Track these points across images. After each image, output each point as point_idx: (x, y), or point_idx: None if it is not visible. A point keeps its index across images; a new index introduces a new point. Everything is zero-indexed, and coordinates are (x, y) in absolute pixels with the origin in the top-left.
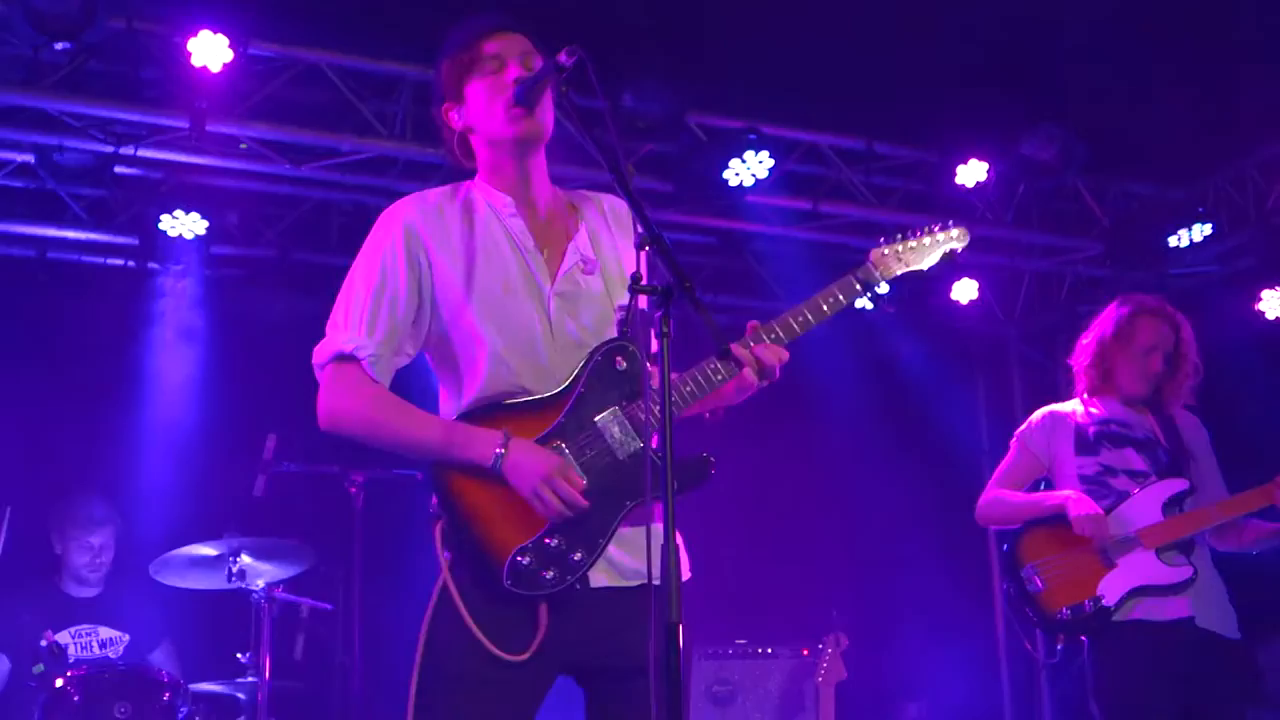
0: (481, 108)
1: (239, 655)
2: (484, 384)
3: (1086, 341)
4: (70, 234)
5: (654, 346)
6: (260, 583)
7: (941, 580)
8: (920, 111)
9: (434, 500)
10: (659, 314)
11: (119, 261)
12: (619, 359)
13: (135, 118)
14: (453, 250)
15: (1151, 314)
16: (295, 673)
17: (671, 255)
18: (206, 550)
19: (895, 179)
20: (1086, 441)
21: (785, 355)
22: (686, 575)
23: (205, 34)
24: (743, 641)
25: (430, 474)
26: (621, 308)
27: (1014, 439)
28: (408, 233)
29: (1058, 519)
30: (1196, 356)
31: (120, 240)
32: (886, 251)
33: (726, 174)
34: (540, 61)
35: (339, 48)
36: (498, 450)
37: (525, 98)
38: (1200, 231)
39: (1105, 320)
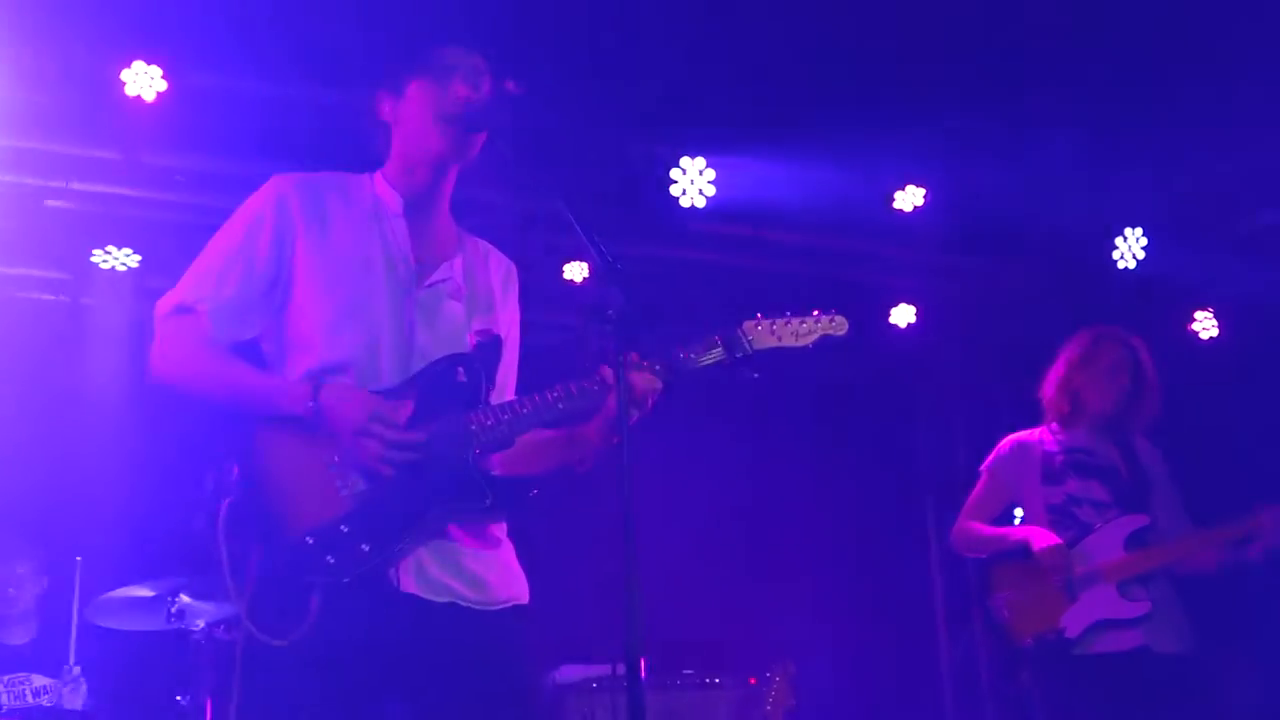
0: (417, 112)
1: (179, 698)
2: (325, 358)
3: (1053, 371)
4: (4, 270)
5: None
6: (200, 623)
7: (886, 606)
8: (853, 138)
9: (233, 472)
10: (614, 338)
11: (51, 297)
12: (460, 370)
13: (68, 151)
14: (323, 231)
15: (1110, 337)
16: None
17: (625, 281)
18: (144, 591)
19: (835, 205)
20: (1053, 471)
21: (659, 385)
22: (524, 597)
23: (139, 64)
24: (690, 671)
25: (241, 436)
26: (477, 333)
27: (983, 469)
28: (280, 202)
29: (1025, 552)
30: (1158, 381)
31: (53, 275)
32: (760, 326)
33: (674, 190)
34: (488, 84)
35: (274, 78)
36: (309, 402)
37: (468, 120)
38: (1134, 255)
39: (1069, 348)
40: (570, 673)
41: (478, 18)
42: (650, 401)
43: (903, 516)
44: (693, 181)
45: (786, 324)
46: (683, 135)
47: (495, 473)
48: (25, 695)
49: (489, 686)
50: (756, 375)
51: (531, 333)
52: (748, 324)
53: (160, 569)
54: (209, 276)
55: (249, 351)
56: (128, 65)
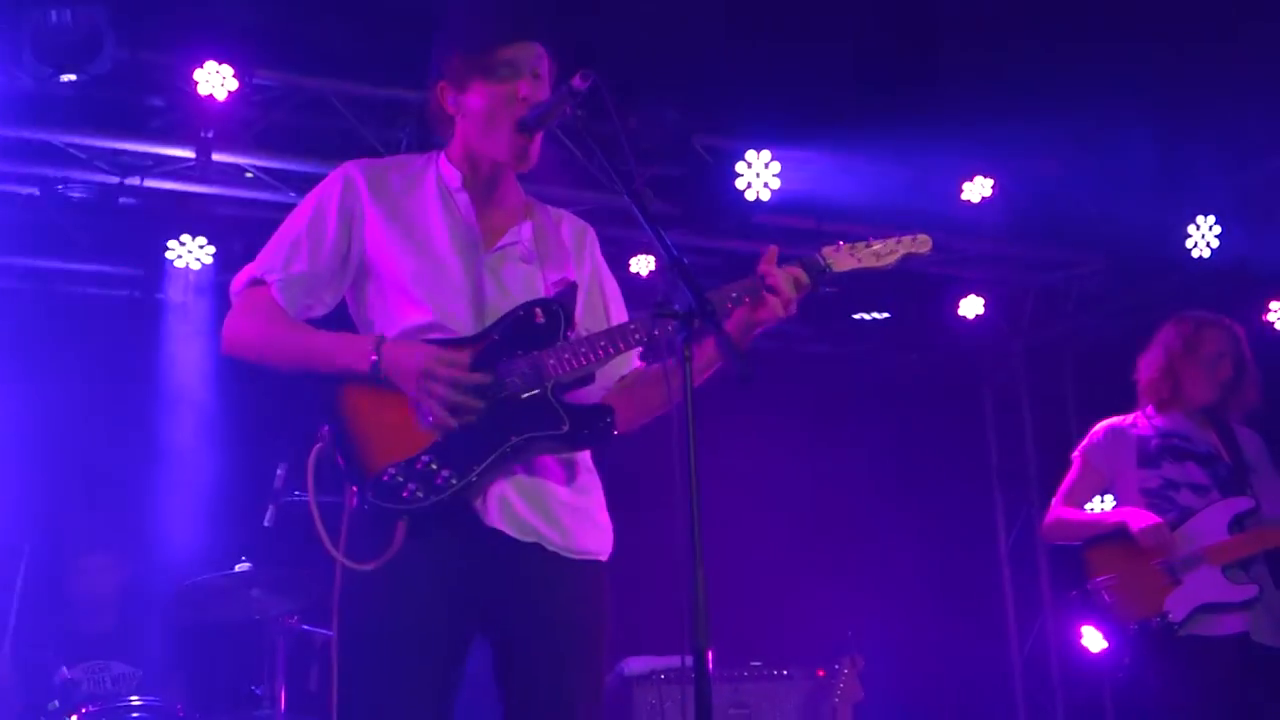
0: (482, 114)
1: (254, 689)
2: (407, 321)
3: (1151, 356)
4: (75, 266)
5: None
6: (274, 613)
7: (956, 599)
8: (921, 131)
9: (324, 427)
10: (681, 338)
11: (125, 293)
12: (539, 312)
13: (141, 148)
14: (390, 205)
15: (1214, 324)
16: (311, 704)
17: (693, 279)
18: (220, 582)
19: (903, 197)
20: (1149, 454)
21: (806, 283)
22: (601, 556)
23: (210, 64)
24: (758, 663)
25: (322, 392)
26: (554, 284)
27: (1076, 455)
28: (346, 183)
29: (1122, 534)
30: (1255, 369)
31: (126, 271)
32: (841, 249)
33: (739, 184)
34: (548, 69)
35: (343, 75)
36: (372, 356)
37: (532, 123)
38: (1208, 244)
39: (1168, 335)
40: (637, 664)
41: (539, 9)
42: (788, 312)
43: (971, 508)
44: (758, 175)
45: (868, 246)
46: (748, 129)
47: (580, 402)
48: (105, 682)
49: (565, 634)
50: (833, 290)
51: None
52: (827, 249)
53: (235, 560)
54: (279, 253)
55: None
56: (200, 65)
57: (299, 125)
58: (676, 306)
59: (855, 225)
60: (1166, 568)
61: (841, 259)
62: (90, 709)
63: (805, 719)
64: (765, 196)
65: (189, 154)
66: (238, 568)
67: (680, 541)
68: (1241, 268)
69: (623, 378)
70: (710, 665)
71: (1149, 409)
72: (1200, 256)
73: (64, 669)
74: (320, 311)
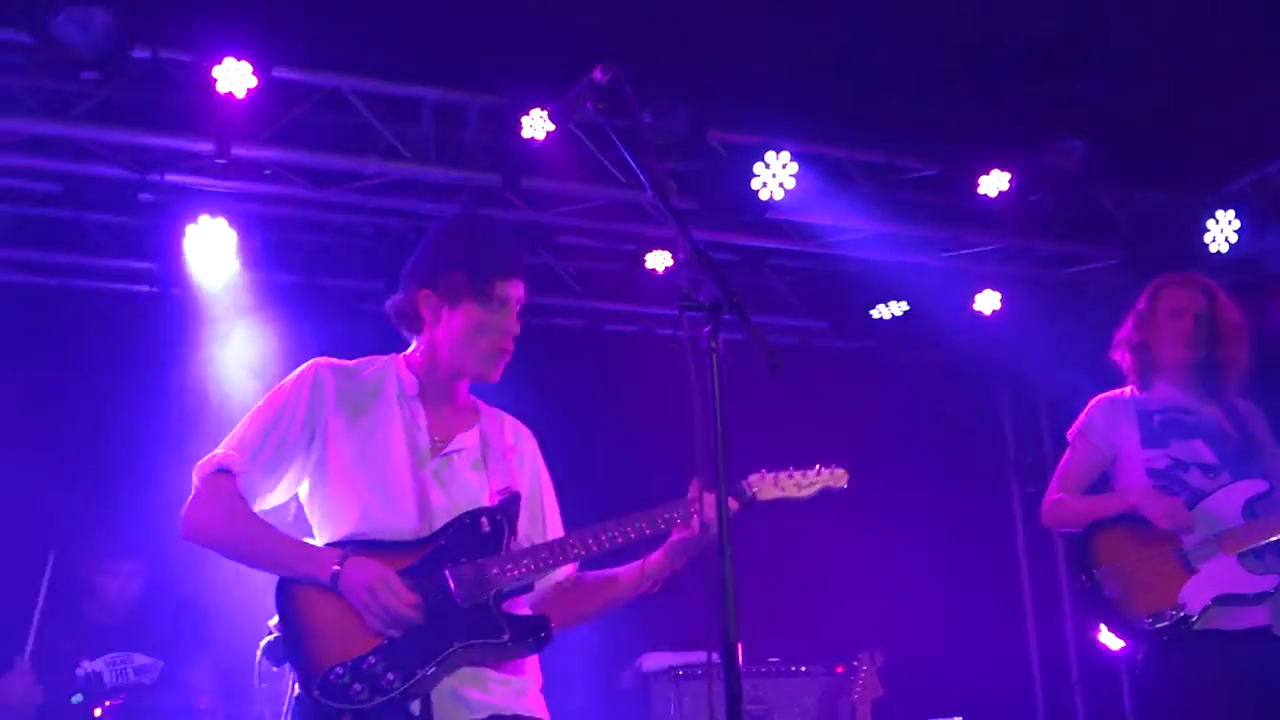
0: (466, 332)
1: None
2: (357, 521)
3: (1120, 331)
4: (96, 261)
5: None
6: None
7: (973, 594)
8: (941, 123)
9: (273, 621)
10: (706, 330)
11: (144, 288)
12: (484, 521)
13: (161, 143)
14: (351, 412)
15: (1175, 283)
16: None
17: (719, 271)
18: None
19: (918, 192)
20: (1153, 431)
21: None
22: (545, 715)
23: (229, 61)
24: (775, 659)
25: (276, 590)
26: (498, 491)
27: (1072, 435)
28: (315, 386)
29: (1130, 518)
30: (1243, 325)
31: (146, 266)
32: (766, 477)
33: (754, 184)
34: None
35: (361, 72)
36: (334, 567)
37: (508, 350)
38: (1226, 239)
39: (1137, 303)
40: (655, 660)
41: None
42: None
43: (989, 501)
44: (774, 175)
45: (789, 477)
46: (763, 125)
47: (521, 612)
48: (127, 674)
49: None
50: (760, 512)
51: (613, 322)
52: (753, 478)
53: None
54: (246, 446)
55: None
56: (219, 62)
57: (317, 121)
58: (701, 299)
59: (870, 221)
60: (1179, 556)
61: (766, 488)
62: (115, 702)
63: (824, 716)
64: (779, 195)
65: (208, 149)
66: None
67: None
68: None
69: (558, 584)
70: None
71: (1134, 387)
72: (1219, 250)
73: (85, 662)
74: (276, 503)
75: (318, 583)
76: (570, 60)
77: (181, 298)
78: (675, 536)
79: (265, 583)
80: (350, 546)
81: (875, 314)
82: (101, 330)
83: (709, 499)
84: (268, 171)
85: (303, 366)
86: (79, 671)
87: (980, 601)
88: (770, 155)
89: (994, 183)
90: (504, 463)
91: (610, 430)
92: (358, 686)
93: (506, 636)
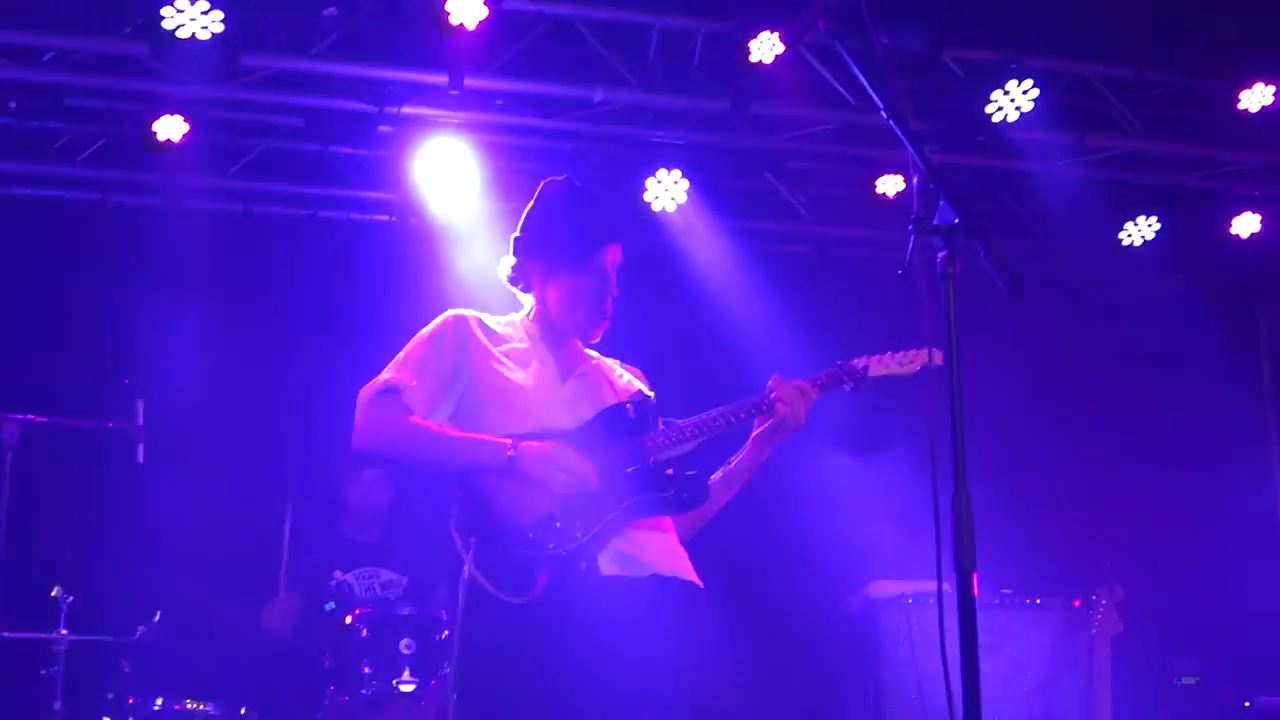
0: (573, 297)
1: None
2: (510, 434)
3: None
4: (338, 192)
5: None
6: None
7: (1221, 528)
8: (1195, 33)
9: (454, 508)
10: (943, 254)
11: (384, 218)
12: (630, 408)
13: (397, 77)
14: (492, 343)
15: None
16: None
17: (955, 192)
18: None
19: (1168, 108)
20: None
21: (813, 392)
22: (697, 580)
23: None
24: (1009, 591)
25: (457, 480)
26: (631, 396)
27: None
28: (460, 321)
29: None
30: None
31: (385, 196)
32: (874, 357)
33: (989, 109)
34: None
35: (590, 2)
36: (509, 452)
37: (608, 316)
38: None
39: None
40: (884, 588)
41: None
42: (799, 408)
43: (1244, 436)
44: (1013, 94)
45: (893, 357)
46: (1001, 41)
47: (679, 472)
48: (374, 587)
49: (667, 650)
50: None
51: (843, 248)
52: (862, 357)
53: None
54: (406, 368)
55: None
56: None
57: (547, 52)
58: (936, 221)
59: (1120, 139)
60: None
61: (874, 365)
62: (363, 610)
63: (1058, 651)
64: (1013, 117)
65: (442, 81)
66: None
67: (924, 468)
68: None
69: None
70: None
71: None
72: None
73: (338, 573)
74: (436, 421)
75: (494, 468)
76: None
77: (418, 227)
78: (757, 429)
79: None
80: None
81: (1123, 238)
82: (344, 259)
83: (787, 388)
84: (499, 102)
85: (443, 315)
86: (332, 582)
87: (1232, 537)
88: (1009, 74)
89: (1256, 97)
90: (619, 385)
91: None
92: (549, 543)
93: (671, 491)
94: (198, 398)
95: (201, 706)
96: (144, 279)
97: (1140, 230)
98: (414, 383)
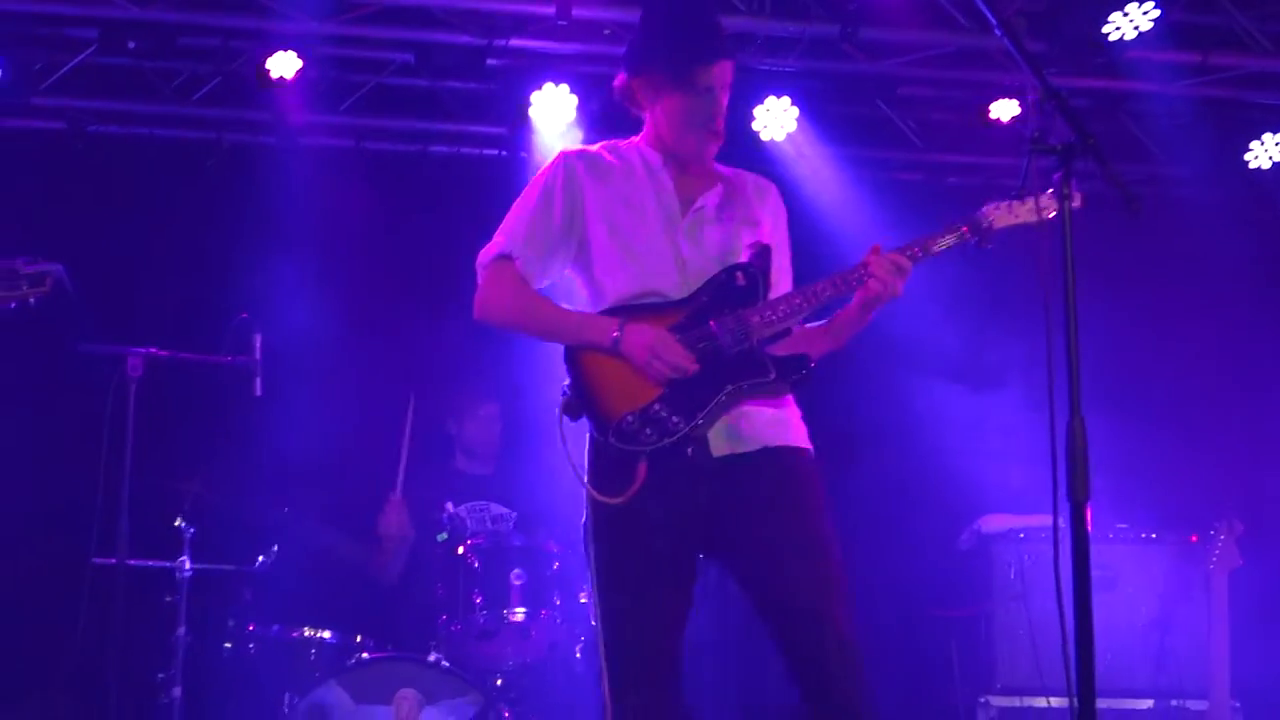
0: (680, 118)
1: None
2: (618, 295)
3: None
4: (446, 127)
5: (1053, 211)
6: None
7: None
8: None
9: (565, 383)
10: (1058, 175)
11: (494, 152)
12: (739, 275)
13: (506, 8)
14: (604, 185)
15: None
16: None
17: (1072, 111)
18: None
19: None
20: None
21: (906, 263)
22: (808, 446)
23: None
24: (1124, 525)
25: (564, 357)
26: (750, 246)
27: None
28: (569, 169)
29: None
30: None
31: (495, 131)
32: (1000, 205)
33: (1106, 28)
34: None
35: None
36: (614, 333)
37: (717, 132)
38: None
39: None
40: (995, 522)
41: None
42: (894, 280)
43: None
44: (1131, 21)
45: (1022, 203)
46: None
47: (781, 353)
48: (485, 521)
49: (792, 515)
50: (990, 247)
51: (955, 174)
52: (987, 207)
53: None
54: (518, 231)
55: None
56: None
57: None
58: (1054, 141)
59: (1244, 56)
60: None
61: (1000, 216)
62: (475, 541)
63: (1173, 586)
64: (1131, 37)
65: (549, 12)
66: None
67: (1037, 401)
68: None
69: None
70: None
71: None
72: None
73: (449, 505)
74: (549, 282)
75: (599, 348)
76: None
77: (529, 162)
78: (857, 298)
79: None
80: (622, 314)
81: (1249, 159)
82: (455, 194)
83: (882, 261)
84: (607, 32)
85: (553, 158)
86: (443, 514)
87: None
88: (1132, 6)
89: None
90: (749, 216)
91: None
92: (647, 431)
93: (773, 375)
94: (313, 332)
95: (318, 634)
96: (259, 216)
97: (1268, 150)
98: (525, 246)
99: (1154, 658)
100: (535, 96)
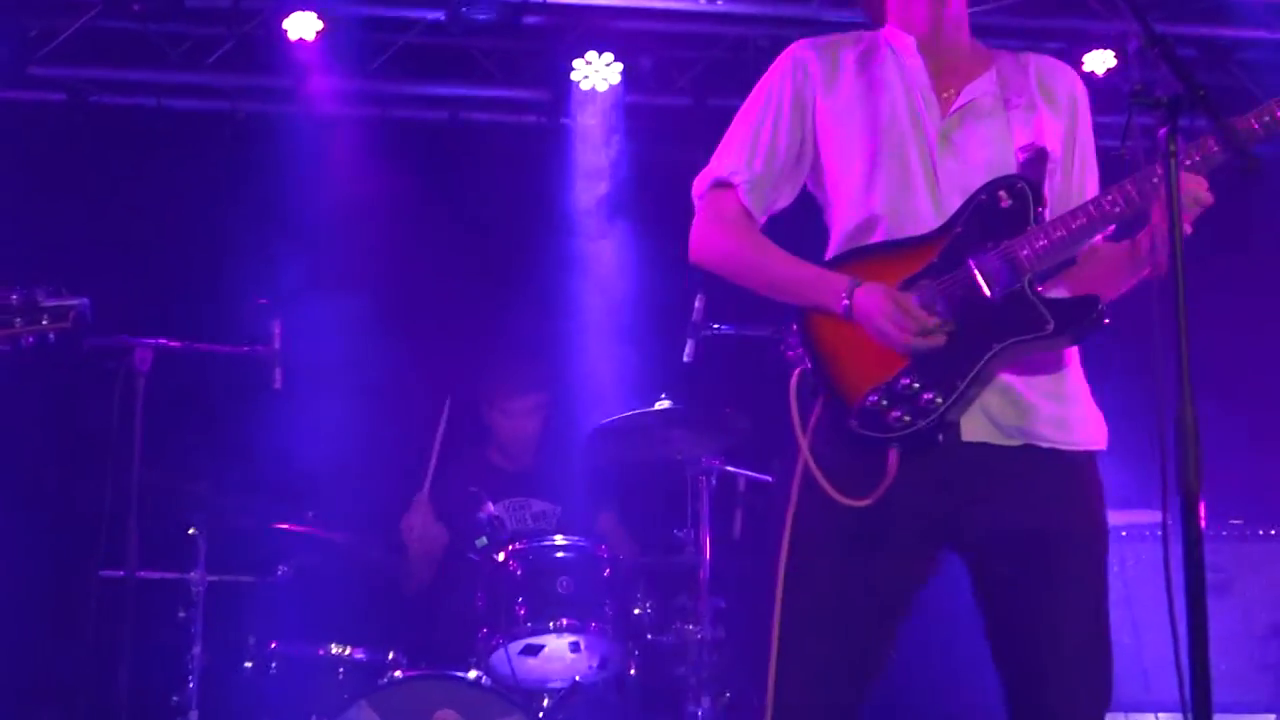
0: None
1: (675, 531)
2: (858, 225)
3: None
4: (481, 92)
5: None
6: (695, 454)
7: None
8: None
9: (797, 362)
10: (1164, 130)
11: (532, 118)
12: (1003, 195)
13: None
14: (841, 87)
15: None
16: (735, 550)
17: (1178, 60)
18: (639, 420)
19: None
20: None
21: (1202, 187)
22: (1100, 445)
23: None
24: (1238, 522)
25: (796, 321)
26: (1022, 149)
27: None
28: (797, 69)
29: None
30: None
31: (532, 95)
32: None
33: None
34: None
35: None
36: (844, 300)
37: None
38: None
39: None
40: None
41: None
42: (1200, 205)
43: None
44: None
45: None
46: None
47: (1059, 294)
48: (526, 519)
49: (1056, 541)
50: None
51: None
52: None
53: (654, 398)
54: (739, 152)
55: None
56: None
57: None
58: (1159, 93)
59: None
60: None
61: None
62: (518, 546)
63: None
64: None
65: None
66: (657, 405)
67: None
68: None
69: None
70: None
71: None
72: None
73: (489, 504)
74: (783, 205)
75: (826, 311)
76: None
77: (571, 128)
78: (1156, 217)
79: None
80: (857, 260)
81: None
82: (490, 164)
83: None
84: None
85: (779, 57)
86: (482, 514)
87: None
88: None
89: None
90: (1031, 111)
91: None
92: (897, 412)
93: (1051, 326)
94: (337, 320)
95: (347, 651)
96: (277, 193)
97: None
98: (748, 169)
99: (1275, 667)
100: (577, 62)
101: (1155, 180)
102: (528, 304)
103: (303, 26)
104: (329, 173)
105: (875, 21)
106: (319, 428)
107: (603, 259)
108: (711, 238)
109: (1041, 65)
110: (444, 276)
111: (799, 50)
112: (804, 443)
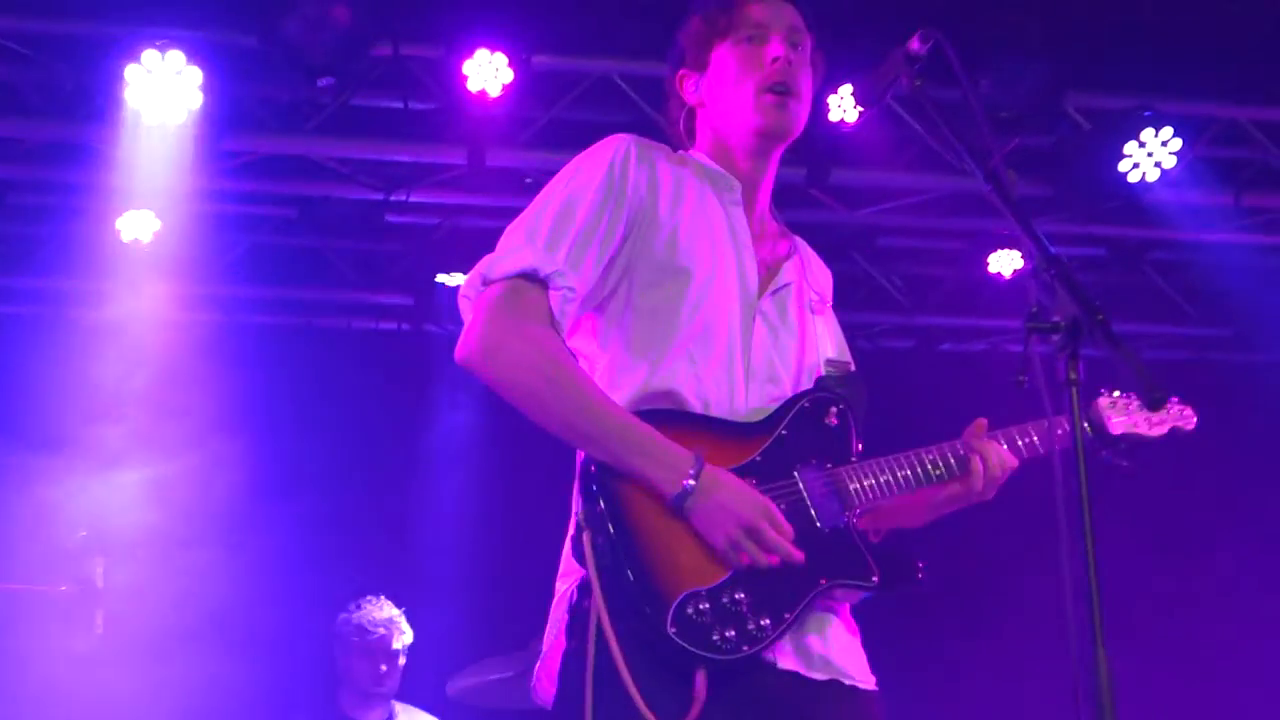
0: (727, 83)
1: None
2: (663, 376)
3: None
4: (338, 295)
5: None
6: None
7: None
8: None
9: (582, 506)
10: (1064, 355)
11: (392, 325)
12: (833, 413)
13: (407, 158)
14: (669, 200)
15: None
16: None
17: (1075, 281)
18: (506, 671)
19: None
20: None
21: (1013, 464)
22: (870, 684)
23: (482, 53)
24: None
25: (595, 474)
26: (830, 362)
27: None
28: (639, 161)
29: None
30: None
31: (393, 300)
32: (1117, 403)
33: (1122, 165)
34: (809, 41)
35: (631, 54)
36: (687, 482)
37: (782, 84)
38: None
39: None
40: None
41: None
42: (999, 482)
43: None
44: (1151, 155)
45: (1139, 408)
46: (1133, 83)
47: (871, 540)
48: None
49: None
50: (1125, 465)
51: (951, 339)
52: (1102, 399)
53: (521, 642)
54: (562, 241)
55: None
56: (470, 55)
57: (583, 119)
58: (1055, 317)
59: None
60: None
61: (1117, 416)
62: None
63: None
64: (1153, 176)
65: (460, 160)
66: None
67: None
68: None
69: None
70: None
71: None
72: None
73: None
74: (570, 330)
75: (657, 493)
76: (889, 21)
77: (439, 335)
78: (947, 491)
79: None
80: (661, 424)
81: None
82: (347, 374)
83: (991, 449)
84: (529, 180)
85: (606, 139)
86: None
87: None
88: (1145, 123)
89: None
90: (824, 315)
91: None
92: (723, 631)
93: (876, 579)
94: (164, 553)
95: None
96: (96, 409)
97: None
98: (574, 272)
99: None
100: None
101: (963, 452)
102: (386, 525)
103: (138, 226)
104: (166, 382)
105: (677, 139)
106: (148, 680)
107: (466, 477)
108: (512, 344)
109: (809, 258)
110: (303, 489)
111: (631, 140)
112: (607, 625)
